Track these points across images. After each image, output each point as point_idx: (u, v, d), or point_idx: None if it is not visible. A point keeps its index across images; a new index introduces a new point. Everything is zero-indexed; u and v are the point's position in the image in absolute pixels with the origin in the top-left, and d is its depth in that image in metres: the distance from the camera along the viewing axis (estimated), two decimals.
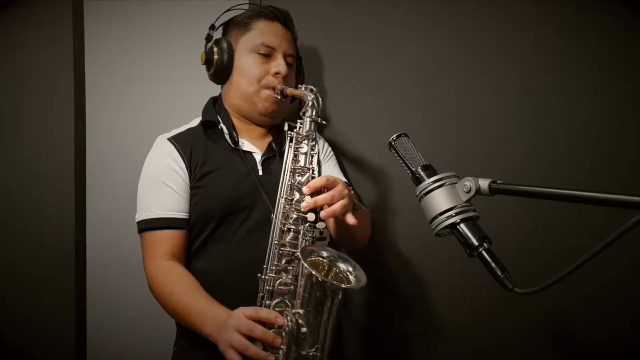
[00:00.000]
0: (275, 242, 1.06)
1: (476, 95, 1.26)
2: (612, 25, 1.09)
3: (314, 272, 0.92)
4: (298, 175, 1.10)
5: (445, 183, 0.75)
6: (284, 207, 1.08)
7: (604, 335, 1.10)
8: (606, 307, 1.10)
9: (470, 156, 1.25)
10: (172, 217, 1.18)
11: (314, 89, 1.16)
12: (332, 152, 1.39)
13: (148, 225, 1.18)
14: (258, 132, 1.31)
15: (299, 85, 1.20)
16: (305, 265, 0.93)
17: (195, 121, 1.30)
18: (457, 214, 0.72)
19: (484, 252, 0.71)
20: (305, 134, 1.12)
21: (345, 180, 1.34)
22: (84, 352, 1.62)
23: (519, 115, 1.20)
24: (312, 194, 1.04)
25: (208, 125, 1.27)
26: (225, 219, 1.18)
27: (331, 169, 1.34)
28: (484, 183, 0.71)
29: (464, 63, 1.27)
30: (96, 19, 1.62)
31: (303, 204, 1.04)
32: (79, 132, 1.60)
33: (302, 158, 1.11)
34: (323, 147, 1.37)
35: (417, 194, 0.78)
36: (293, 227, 1.06)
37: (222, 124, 1.26)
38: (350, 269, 1.00)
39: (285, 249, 1.05)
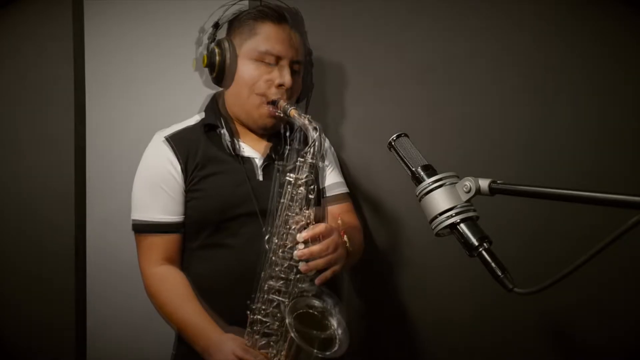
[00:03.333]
0: (266, 288, 1.06)
1: (476, 95, 1.26)
2: (612, 25, 1.09)
3: (303, 346, 0.96)
4: (292, 223, 1.06)
5: (445, 183, 0.75)
6: (276, 253, 1.06)
7: (604, 335, 1.10)
8: (606, 307, 1.10)
9: (470, 156, 1.25)
10: (166, 222, 1.16)
11: (318, 127, 1.05)
12: (335, 157, 1.37)
13: (142, 228, 1.18)
14: (258, 136, 1.28)
15: (303, 115, 1.09)
16: (293, 336, 0.96)
17: (196, 118, 1.27)
18: (457, 214, 0.72)
19: (484, 252, 0.71)
20: (304, 178, 1.05)
21: (346, 189, 1.33)
22: (84, 352, 1.61)
23: (519, 115, 1.20)
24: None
25: (209, 127, 1.23)
26: (221, 225, 1.16)
27: (330, 174, 1.32)
28: (484, 183, 0.71)
29: (464, 63, 1.27)
30: (96, 19, 1.62)
31: (297, 253, 1.03)
32: (79, 132, 1.60)
33: (298, 201, 1.06)
34: (327, 153, 1.33)
35: (417, 194, 0.77)
36: (283, 275, 1.05)
37: (224, 129, 1.21)
38: (339, 328, 1.03)
39: (274, 296, 1.05)
